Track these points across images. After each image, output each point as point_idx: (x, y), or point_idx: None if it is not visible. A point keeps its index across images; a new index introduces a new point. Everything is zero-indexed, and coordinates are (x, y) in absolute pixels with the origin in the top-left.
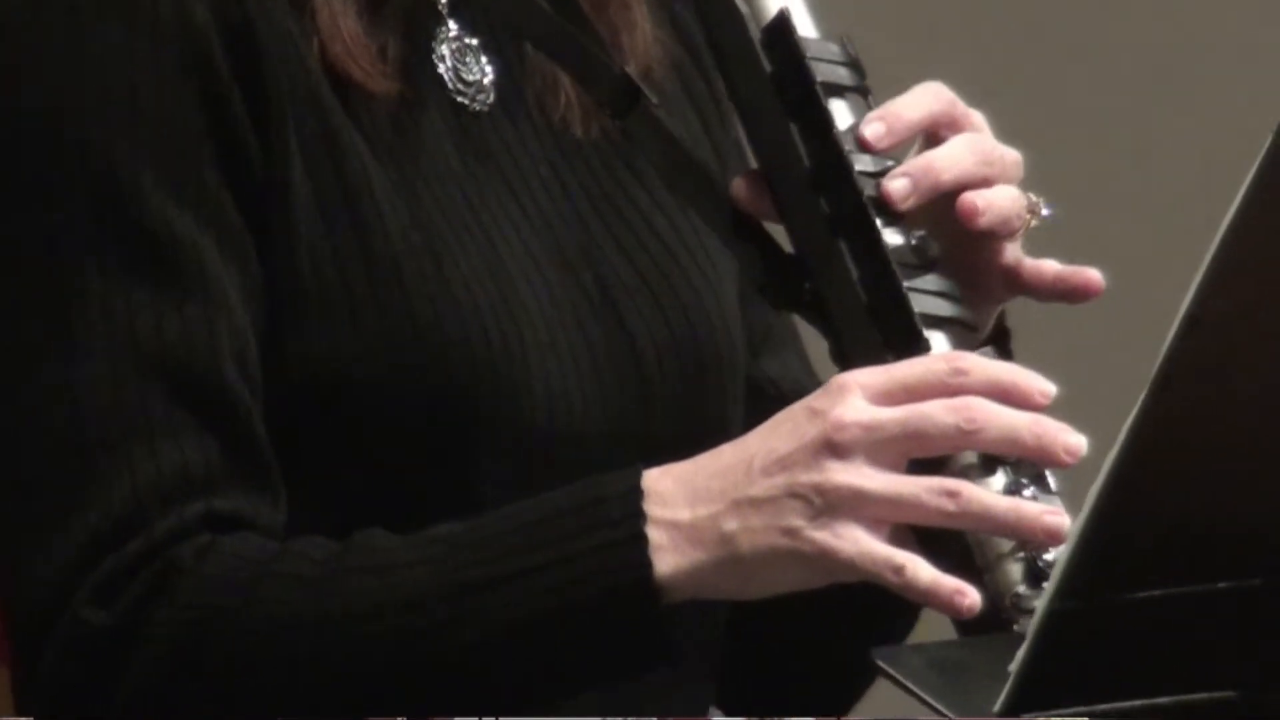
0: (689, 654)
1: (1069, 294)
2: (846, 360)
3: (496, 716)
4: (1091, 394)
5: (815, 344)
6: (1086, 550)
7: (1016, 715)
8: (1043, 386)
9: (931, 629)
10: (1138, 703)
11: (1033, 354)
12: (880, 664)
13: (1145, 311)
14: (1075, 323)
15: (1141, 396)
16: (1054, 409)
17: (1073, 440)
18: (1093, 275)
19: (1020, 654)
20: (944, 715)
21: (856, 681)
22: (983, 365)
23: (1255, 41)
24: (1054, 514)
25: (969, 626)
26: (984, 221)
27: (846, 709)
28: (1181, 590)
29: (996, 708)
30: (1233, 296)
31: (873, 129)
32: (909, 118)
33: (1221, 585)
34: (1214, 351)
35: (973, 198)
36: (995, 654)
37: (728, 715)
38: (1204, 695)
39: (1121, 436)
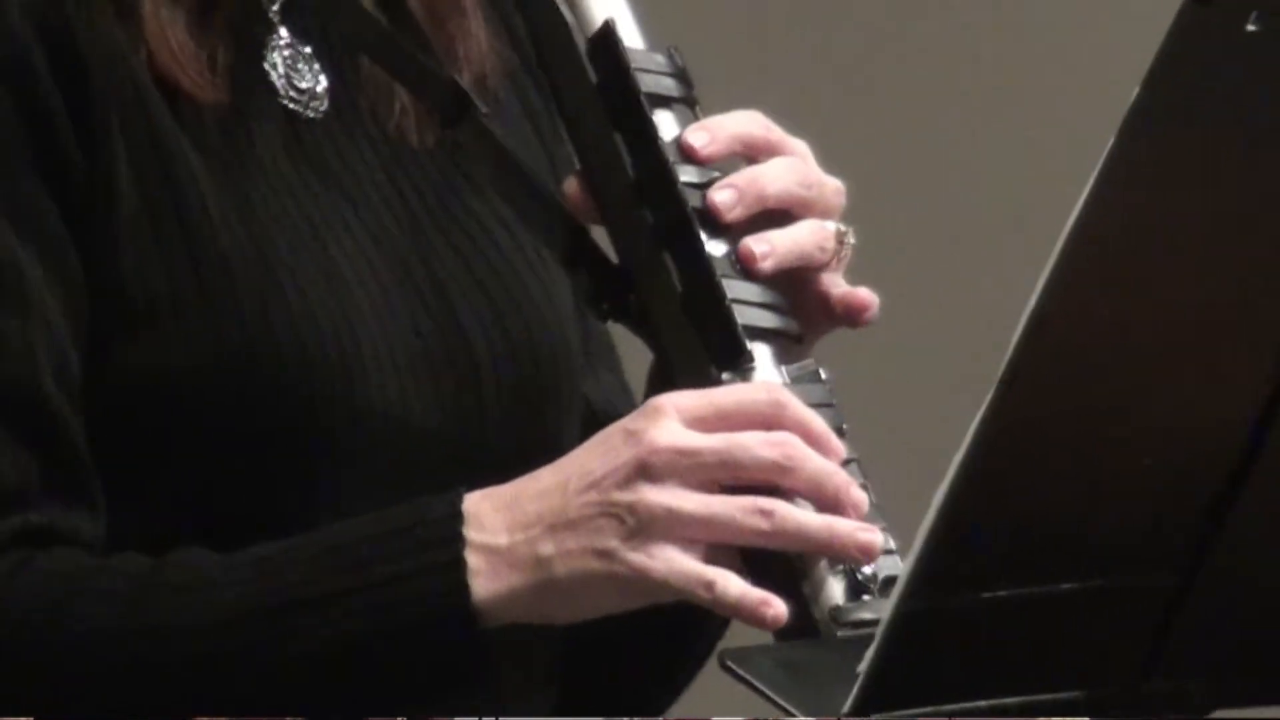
0: (521, 682)
1: (847, 316)
2: (670, 371)
3: None
4: (934, 395)
5: (642, 356)
6: (934, 550)
7: (865, 715)
8: (840, 452)
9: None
10: (985, 703)
11: (876, 356)
12: (730, 665)
13: (987, 311)
14: (917, 322)
15: (988, 396)
16: (896, 414)
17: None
18: (865, 296)
19: (869, 654)
20: (793, 716)
21: (671, 686)
22: (798, 406)
23: (1096, 39)
24: (867, 531)
25: (788, 640)
26: (768, 265)
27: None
28: (1027, 591)
29: (845, 708)
30: (1078, 296)
31: (697, 136)
32: (731, 128)
33: (1066, 586)
34: (1060, 351)
35: (749, 243)
36: (844, 655)
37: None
38: (1050, 695)
39: (968, 437)
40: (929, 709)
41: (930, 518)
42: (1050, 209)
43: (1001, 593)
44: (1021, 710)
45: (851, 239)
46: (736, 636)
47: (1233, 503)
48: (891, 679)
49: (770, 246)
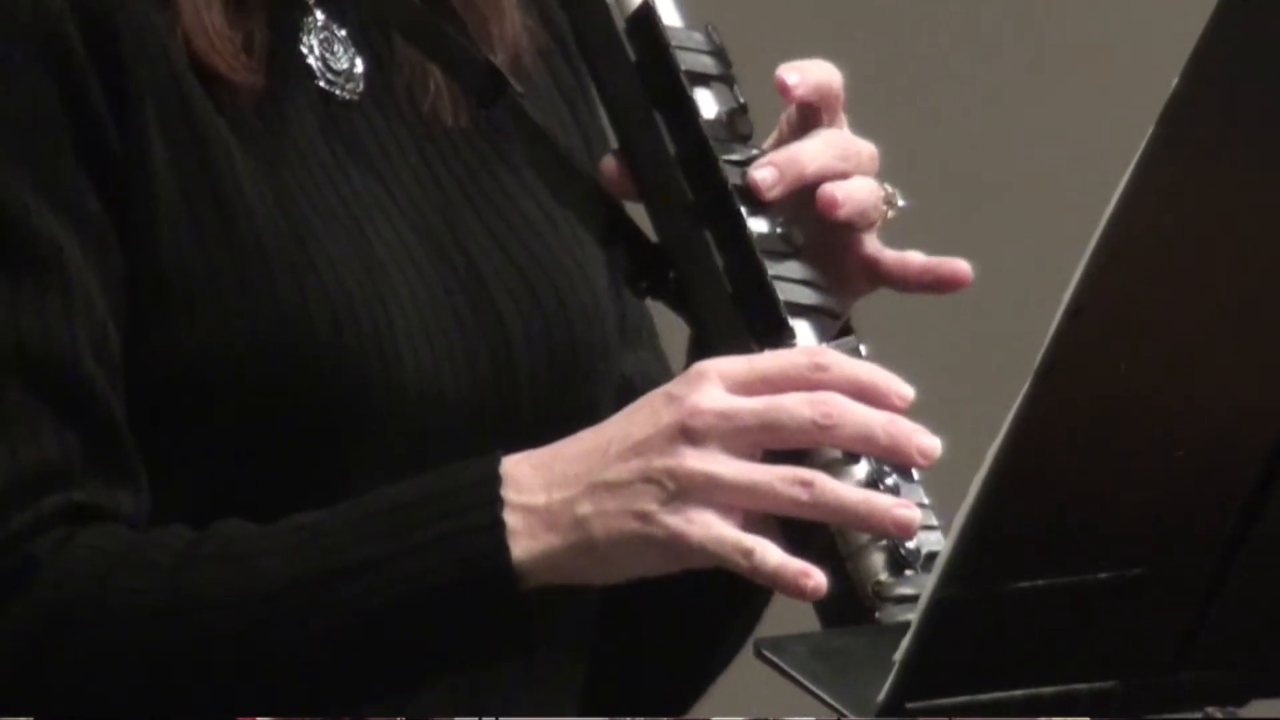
0: (554, 649)
1: (936, 285)
2: (711, 349)
3: (356, 704)
4: (972, 386)
5: (679, 333)
6: (971, 539)
7: (901, 704)
8: (900, 390)
9: (803, 620)
10: (1020, 692)
11: (912, 347)
12: (765, 654)
13: (1021, 303)
14: (953, 315)
15: (1025, 386)
16: (934, 405)
17: (926, 442)
18: (960, 265)
19: (905, 643)
20: (829, 704)
21: (704, 676)
22: (843, 363)
23: (1135, 28)
24: (905, 506)
25: (831, 616)
26: (843, 213)
27: (689, 705)
28: (1064, 580)
29: (881, 696)
30: (1115, 286)
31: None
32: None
33: (1103, 575)
34: (1096, 340)
35: (831, 189)
36: (880, 643)
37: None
38: (1086, 685)
39: (1005, 426)
40: (964, 698)
41: (967, 507)
42: (1090, 199)
43: (1037, 582)
44: (1057, 700)
45: (900, 201)
46: (774, 623)
47: (1267, 493)
48: (927, 668)
49: (846, 194)
